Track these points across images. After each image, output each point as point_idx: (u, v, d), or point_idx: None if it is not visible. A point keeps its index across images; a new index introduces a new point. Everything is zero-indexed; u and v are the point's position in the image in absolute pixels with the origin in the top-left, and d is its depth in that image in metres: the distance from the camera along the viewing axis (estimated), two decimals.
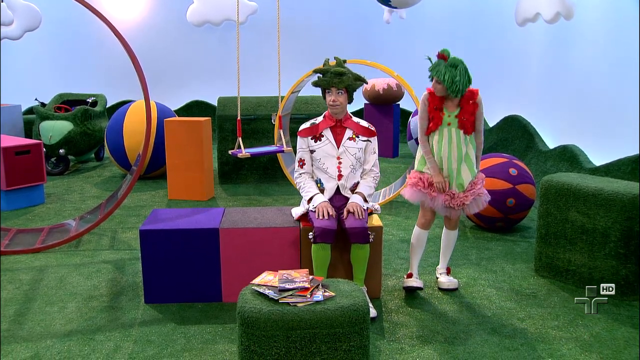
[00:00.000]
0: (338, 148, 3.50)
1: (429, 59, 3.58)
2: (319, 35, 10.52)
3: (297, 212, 3.64)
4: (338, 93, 3.42)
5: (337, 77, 3.40)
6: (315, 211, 3.42)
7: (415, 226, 3.76)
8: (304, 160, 3.60)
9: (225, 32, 10.13)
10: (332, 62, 3.58)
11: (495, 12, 8.78)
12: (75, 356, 2.99)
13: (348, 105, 3.53)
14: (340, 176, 3.52)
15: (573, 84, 6.39)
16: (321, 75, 3.48)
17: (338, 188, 3.54)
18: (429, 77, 3.55)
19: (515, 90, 8.31)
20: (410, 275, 3.75)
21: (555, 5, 5.46)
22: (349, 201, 3.45)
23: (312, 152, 3.56)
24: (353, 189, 3.55)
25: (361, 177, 3.59)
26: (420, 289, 3.71)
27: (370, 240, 3.35)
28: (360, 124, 3.57)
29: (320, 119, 3.59)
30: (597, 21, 5.91)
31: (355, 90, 3.50)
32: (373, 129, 3.60)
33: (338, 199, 3.52)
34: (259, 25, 9.69)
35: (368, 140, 3.56)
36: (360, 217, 3.35)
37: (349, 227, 3.31)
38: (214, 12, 8.34)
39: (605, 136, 5.69)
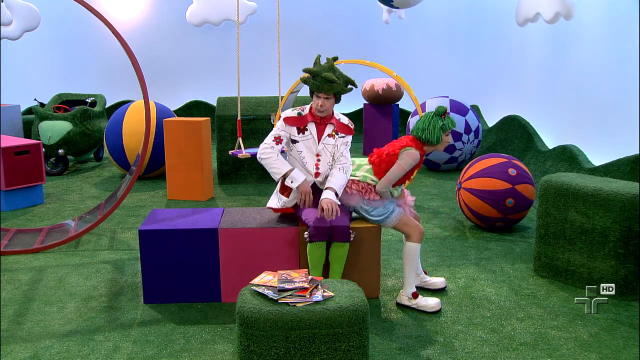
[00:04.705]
0: (318, 144, 3.51)
1: (440, 114, 3.47)
2: (318, 36, 10.52)
3: (271, 204, 3.64)
4: (326, 98, 3.41)
5: (327, 84, 3.35)
6: (300, 205, 3.42)
7: (410, 243, 3.47)
8: (281, 139, 3.49)
9: (224, 32, 10.12)
10: (326, 63, 3.54)
11: (494, 12, 8.78)
12: (75, 356, 2.99)
13: (339, 103, 3.55)
14: (317, 174, 3.53)
15: (572, 84, 6.39)
16: (311, 76, 3.42)
17: (315, 184, 3.55)
18: (441, 132, 3.44)
19: (514, 90, 8.31)
20: (416, 295, 3.50)
21: (555, 5, 5.46)
22: (322, 198, 3.34)
23: (293, 141, 3.53)
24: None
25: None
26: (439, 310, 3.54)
27: (351, 239, 3.34)
28: (341, 120, 3.57)
29: (307, 110, 3.53)
30: (596, 21, 5.91)
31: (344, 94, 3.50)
32: (352, 126, 3.60)
33: (317, 196, 3.50)
34: (258, 25, 9.69)
35: (344, 137, 3.56)
36: (337, 216, 3.29)
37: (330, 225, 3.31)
38: (213, 12, 8.33)
39: (605, 136, 5.69)
